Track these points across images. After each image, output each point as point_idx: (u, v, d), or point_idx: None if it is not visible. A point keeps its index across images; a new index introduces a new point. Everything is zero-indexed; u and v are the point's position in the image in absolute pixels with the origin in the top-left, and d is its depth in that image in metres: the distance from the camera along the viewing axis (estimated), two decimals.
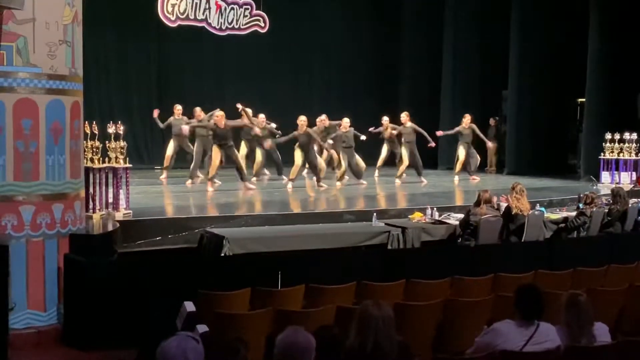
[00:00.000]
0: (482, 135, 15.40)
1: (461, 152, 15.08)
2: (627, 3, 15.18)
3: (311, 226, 9.35)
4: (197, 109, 13.55)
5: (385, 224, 9.36)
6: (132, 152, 12.67)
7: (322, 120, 13.81)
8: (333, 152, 13.70)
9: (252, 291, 6.07)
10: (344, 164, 13.70)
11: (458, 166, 15.18)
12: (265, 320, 5.41)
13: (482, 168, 17.59)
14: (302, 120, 13.12)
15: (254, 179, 13.57)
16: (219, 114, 12.43)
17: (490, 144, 16.16)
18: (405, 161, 14.39)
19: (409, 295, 6.38)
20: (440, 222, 9.65)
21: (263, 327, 5.34)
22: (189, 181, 13.08)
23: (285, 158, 14.16)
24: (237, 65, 17.68)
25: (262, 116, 13.94)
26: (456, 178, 15.01)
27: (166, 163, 13.77)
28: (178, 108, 13.78)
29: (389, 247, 8.95)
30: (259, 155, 13.96)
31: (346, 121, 13.97)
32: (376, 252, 8.58)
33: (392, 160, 15.25)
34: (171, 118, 13.78)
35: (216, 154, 12.30)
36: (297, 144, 13.16)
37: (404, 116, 14.62)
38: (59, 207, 6.88)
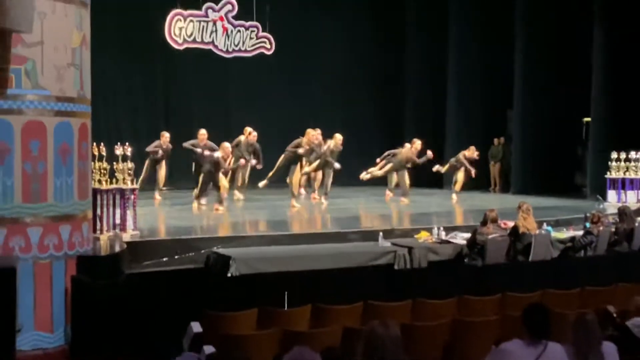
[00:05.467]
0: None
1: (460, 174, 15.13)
2: (632, 22, 15.24)
3: (317, 246, 9.34)
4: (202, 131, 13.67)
5: (392, 243, 9.34)
6: (140, 173, 12.70)
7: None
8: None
9: (258, 311, 6.08)
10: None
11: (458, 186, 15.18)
12: (272, 340, 5.41)
13: (487, 188, 17.63)
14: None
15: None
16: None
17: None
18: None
19: (416, 316, 6.38)
20: (447, 242, 9.62)
21: (270, 347, 5.33)
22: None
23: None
24: (244, 86, 17.77)
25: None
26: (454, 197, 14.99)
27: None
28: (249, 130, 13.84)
29: (396, 267, 8.92)
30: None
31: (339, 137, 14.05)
32: (383, 272, 8.57)
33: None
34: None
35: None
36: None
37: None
38: (66, 229, 6.90)
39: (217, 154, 12.50)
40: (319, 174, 14.14)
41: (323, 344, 4.80)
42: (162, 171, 13.78)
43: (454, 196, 14.87)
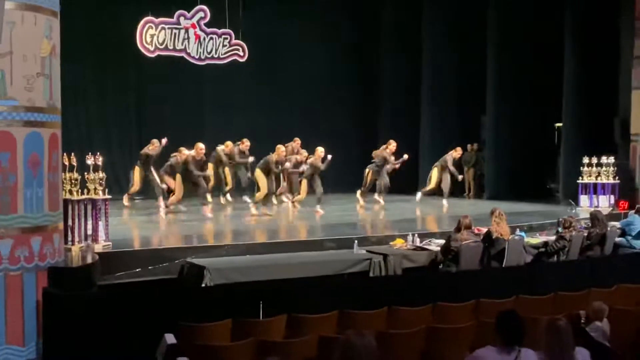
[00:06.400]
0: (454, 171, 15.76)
1: (444, 177, 15.35)
2: (601, 29, 15.46)
3: (292, 255, 9.32)
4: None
5: (367, 251, 9.35)
6: (112, 183, 12.61)
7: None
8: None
9: (233, 322, 6.03)
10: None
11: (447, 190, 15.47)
12: (247, 351, 5.37)
13: (461, 193, 17.73)
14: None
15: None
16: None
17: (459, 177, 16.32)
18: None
19: (392, 323, 6.37)
20: (422, 249, 9.66)
21: (245, 358, 5.30)
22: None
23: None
24: (217, 94, 17.73)
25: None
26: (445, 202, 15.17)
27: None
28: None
29: (371, 274, 8.94)
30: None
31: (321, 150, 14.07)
32: (358, 280, 8.57)
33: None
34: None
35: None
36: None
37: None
38: (37, 240, 6.81)
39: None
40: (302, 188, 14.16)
41: (299, 353, 4.79)
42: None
43: (445, 202, 15.04)
